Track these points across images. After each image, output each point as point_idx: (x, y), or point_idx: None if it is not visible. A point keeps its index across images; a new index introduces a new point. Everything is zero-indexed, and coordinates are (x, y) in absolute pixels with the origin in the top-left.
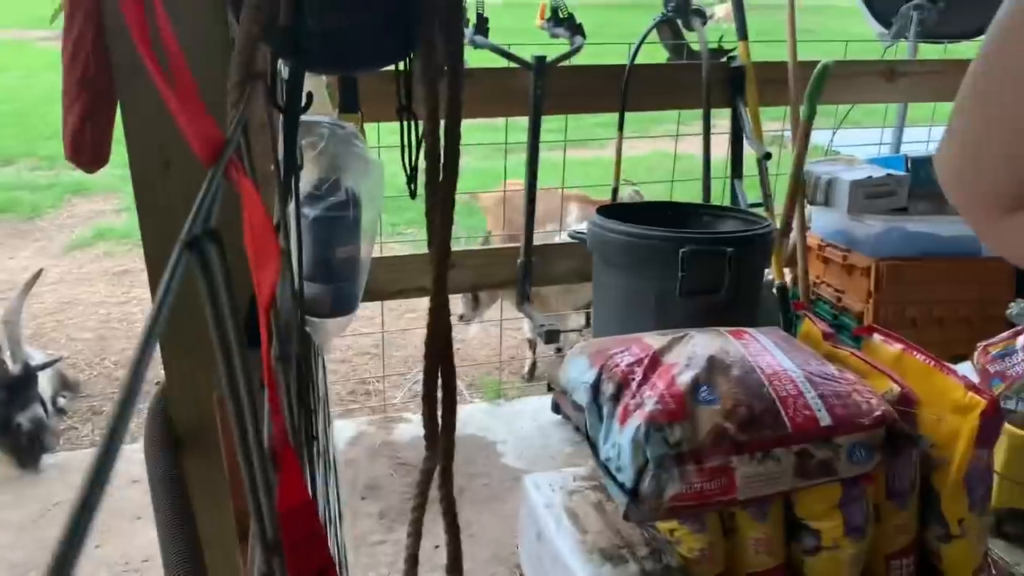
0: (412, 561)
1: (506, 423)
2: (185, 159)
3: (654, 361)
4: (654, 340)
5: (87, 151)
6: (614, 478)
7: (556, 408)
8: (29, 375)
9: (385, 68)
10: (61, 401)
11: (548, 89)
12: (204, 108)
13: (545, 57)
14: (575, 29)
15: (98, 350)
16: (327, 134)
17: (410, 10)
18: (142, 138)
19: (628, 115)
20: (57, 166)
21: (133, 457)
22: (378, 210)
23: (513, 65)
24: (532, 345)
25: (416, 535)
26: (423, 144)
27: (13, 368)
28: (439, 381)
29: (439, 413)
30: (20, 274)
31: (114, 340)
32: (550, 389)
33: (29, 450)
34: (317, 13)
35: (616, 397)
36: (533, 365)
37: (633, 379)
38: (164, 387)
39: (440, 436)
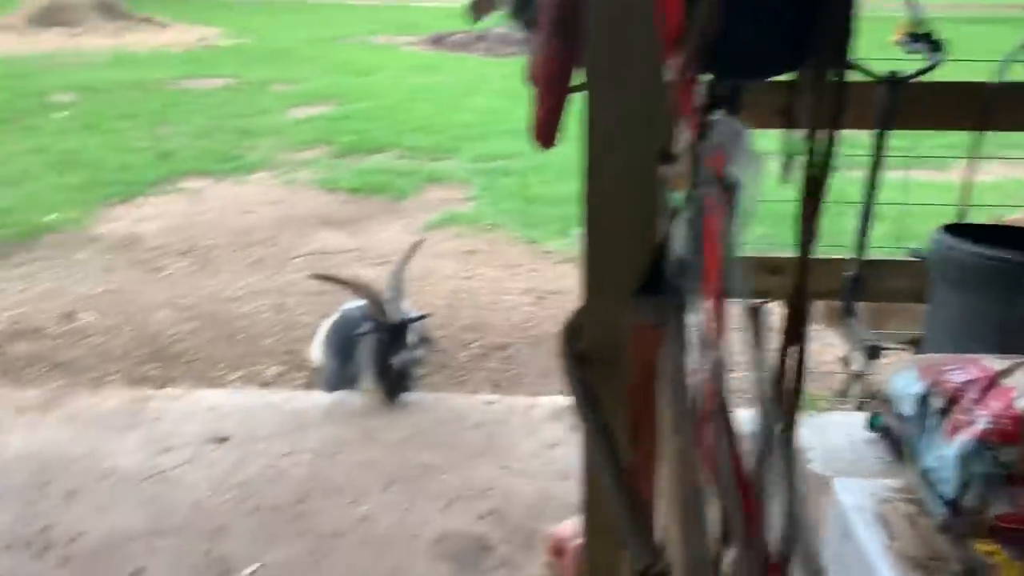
0: None
1: (816, 433)
2: (628, 145)
3: (991, 382)
4: (994, 363)
5: (546, 137)
6: (934, 488)
7: (872, 424)
8: (404, 325)
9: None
10: (419, 352)
11: (899, 105)
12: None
13: (898, 72)
14: (934, 45)
15: (448, 316)
16: (716, 125)
17: (806, 24)
18: (596, 127)
19: (988, 137)
20: (418, 156)
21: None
22: (753, 204)
23: (863, 78)
24: (846, 362)
25: None
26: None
27: (394, 317)
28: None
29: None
30: (389, 245)
31: (461, 309)
32: (861, 406)
33: (396, 387)
34: (734, 27)
35: (945, 411)
36: (847, 382)
37: (965, 396)
38: (580, 311)
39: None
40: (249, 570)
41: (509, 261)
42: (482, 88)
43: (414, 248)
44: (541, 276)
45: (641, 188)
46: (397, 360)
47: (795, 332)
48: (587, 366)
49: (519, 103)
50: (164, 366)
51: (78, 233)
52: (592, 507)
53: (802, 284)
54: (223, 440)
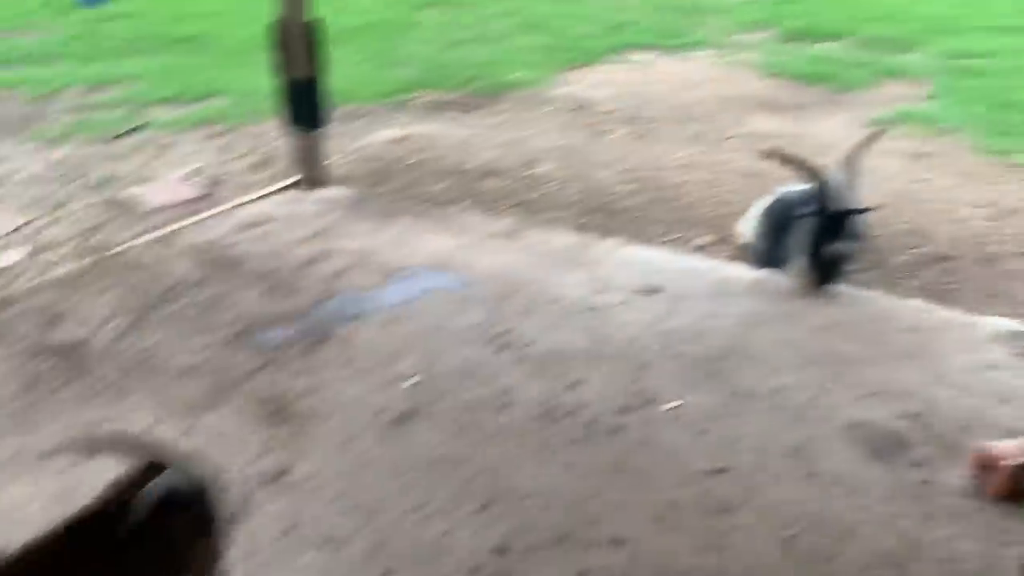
0: None
1: None
2: None
3: None
4: None
5: None
6: None
7: None
8: (846, 215)
9: None
10: (854, 246)
11: None
12: None
13: None
14: None
15: (887, 217)
16: None
17: None
18: None
19: None
20: (875, 47)
21: None
22: None
23: None
24: None
25: None
26: None
27: (837, 205)
28: None
29: None
30: (829, 136)
31: (902, 212)
32: None
33: (827, 275)
34: None
35: None
36: None
37: None
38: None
39: None
40: (671, 405)
41: (965, 170)
42: None
43: (872, 138)
44: (1004, 191)
45: None
46: (830, 249)
47: None
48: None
49: None
50: (606, 219)
51: (538, 92)
52: None
53: None
54: (654, 292)
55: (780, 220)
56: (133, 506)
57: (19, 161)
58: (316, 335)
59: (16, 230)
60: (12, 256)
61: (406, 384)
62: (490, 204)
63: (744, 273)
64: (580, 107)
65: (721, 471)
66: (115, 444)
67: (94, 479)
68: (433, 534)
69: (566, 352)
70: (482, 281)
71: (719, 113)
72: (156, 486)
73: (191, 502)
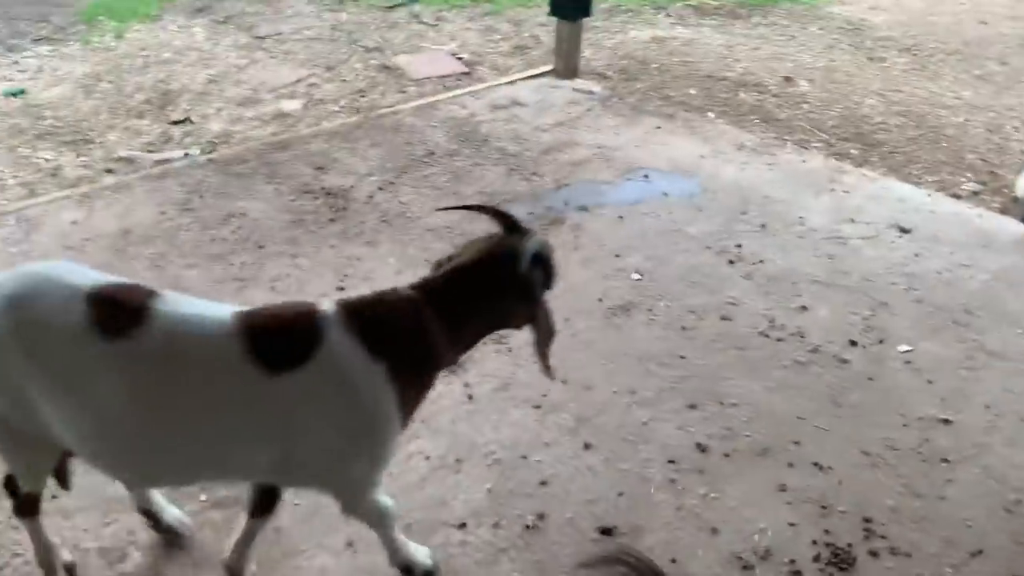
0: None
1: None
2: None
3: None
4: None
5: None
6: None
7: None
8: None
9: None
10: None
11: None
12: None
13: None
14: None
15: None
16: None
17: None
18: None
19: None
20: None
21: None
22: None
23: None
24: None
25: None
26: None
27: None
28: None
29: None
30: None
31: None
32: None
33: None
34: None
35: None
36: None
37: None
38: None
39: None
40: (903, 348)
41: None
42: None
43: None
44: None
45: None
46: None
47: None
48: None
49: None
50: (864, 149)
51: (812, 8)
52: None
53: None
54: (905, 231)
55: None
56: (521, 253)
57: (306, 20)
58: (549, 218)
59: (298, 81)
60: (293, 104)
61: (631, 277)
62: (741, 116)
63: (1013, 227)
64: (855, 28)
65: (947, 422)
66: (485, 209)
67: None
68: (637, 420)
69: (799, 276)
70: (721, 191)
71: (1017, 53)
72: (532, 243)
73: (546, 263)
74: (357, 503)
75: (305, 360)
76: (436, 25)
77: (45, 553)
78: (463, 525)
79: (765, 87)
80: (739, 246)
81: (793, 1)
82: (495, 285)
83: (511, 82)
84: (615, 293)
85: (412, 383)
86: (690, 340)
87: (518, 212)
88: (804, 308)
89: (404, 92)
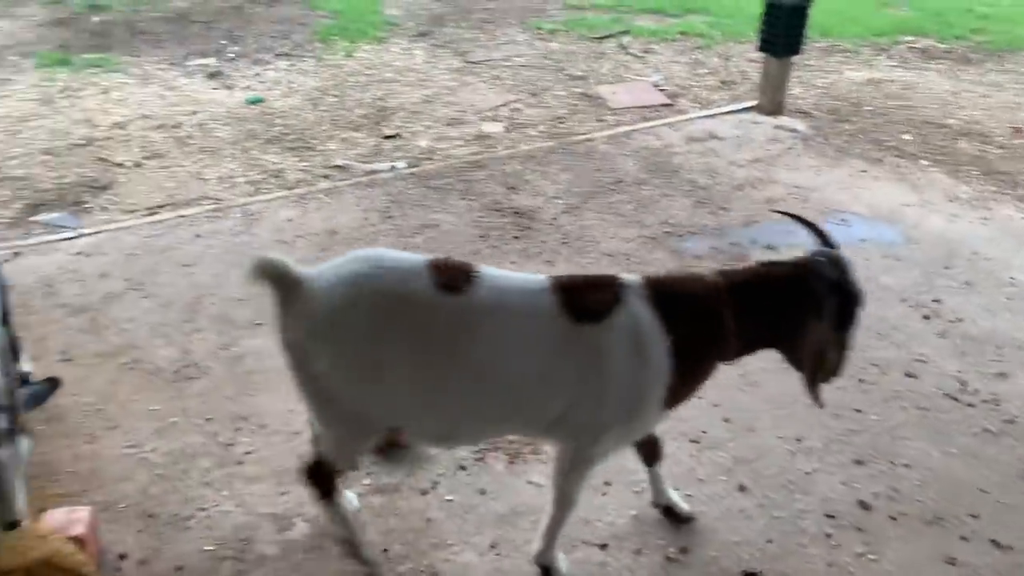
0: None
1: None
2: None
3: None
4: None
5: None
6: None
7: None
8: None
9: None
10: None
11: None
12: None
13: None
14: None
15: None
16: None
17: None
18: None
19: None
20: None
21: None
22: None
23: None
24: None
25: None
26: None
27: None
28: None
29: None
30: None
31: None
32: None
33: None
34: None
35: None
36: None
37: None
38: None
39: None
40: None
41: None
42: None
43: None
44: None
45: None
46: None
47: None
48: None
49: None
50: None
51: None
52: None
53: None
54: None
55: None
56: (822, 268)
57: (519, 48)
58: (732, 254)
59: (502, 105)
60: (495, 127)
61: None
62: (958, 166)
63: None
64: None
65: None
66: (808, 223)
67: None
68: (799, 469)
69: (1003, 339)
70: (925, 242)
71: None
72: (838, 269)
73: (847, 294)
74: (584, 466)
75: (604, 317)
76: (643, 57)
77: (350, 532)
78: (605, 546)
79: (990, 137)
80: (937, 301)
81: None
82: (794, 295)
83: (711, 116)
84: None
85: (689, 367)
86: (867, 394)
87: (700, 245)
88: (1003, 375)
89: (602, 120)
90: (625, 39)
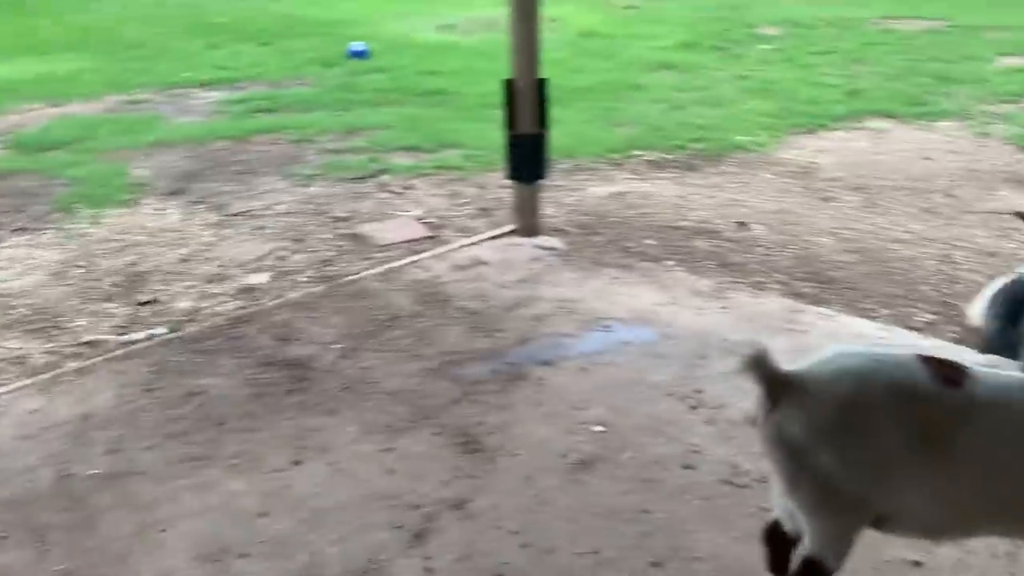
0: None
1: None
2: None
3: None
4: None
5: None
6: None
7: None
8: None
9: None
10: None
11: None
12: None
13: None
14: None
15: None
16: None
17: None
18: None
19: None
20: None
21: None
22: None
23: None
24: None
25: None
26: None
27: None
28: None
29: None
30: None
31: None
32: None
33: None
34: None
35: None
36: None
37: None
38: None
39: None
40: None
41: None
42: None
43: None
44: None
45: None
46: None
47: None
48: None
49: None
50: (819, 287)
51: (762, 155)
52: None
53: None
54: None
55: (1017, 304)
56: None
57: (279, 196)
58: (511, 374)
59: (266, 255)
60: (260, 278)
61: (593, 431)
62: (698, 263)
63: (968, 356)
64: (804, 172)
65: (918, 564)
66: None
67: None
68: None
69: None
70: (681, 338)
71: (960, 186)
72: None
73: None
74: None
75: None
76: (403, 193)
77: None
78: None
79: (720, 233)
80: (700, 391)
81: (745, 150)
82: None
83: (474, 243)
84: (578, 447)
85: None
86: (653, 492)
87: (479, 370)
88: None
89: (370, 259)
90: (384, 177)
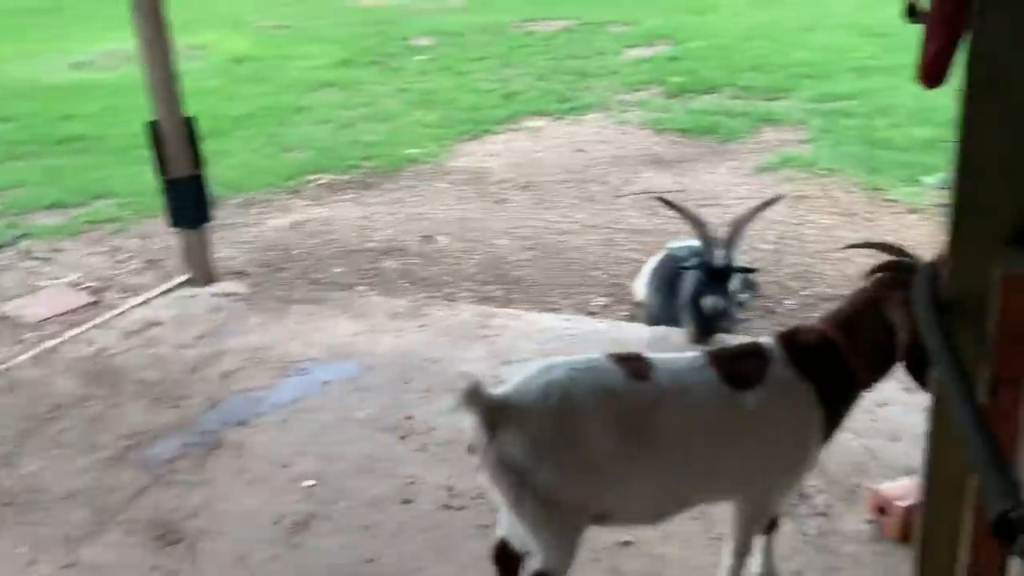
0: None
1: None
2: (1013, 79)
3: None
4: None
5: (933, 77)
6: None
7: None
8: (727, 271)
9: None
10: (743, 297)
11: None
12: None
13: None
14: None
15: (773, 261)
16: None
17: None
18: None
19: None
20: (752, 96)
21: None
22: None
23: None
24: None
25: None
26: None
27: (719, 261)
28: None
29: None
30: (716, 187)
31: (787, 255)
32: None
33: (704, 327)
34: None
35: None
36: None
37: None
38: (942, 258)
39: None
40: None
41: (845, 209)
42: (825, 23)
43: (767, 204)
44: (881, 227)
45: None
46: (709, 302)
47: None
48: (945, 314)
49: (866, 39)
50: (506, 288)
51: (435, 166)
52: (938, 463)
53: None
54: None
55: (670, 276)
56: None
57: None
58: (206, 445)
59: None
60: None
61: (304, 487)
62: (390, 284)
63: (641, 332)
64: (476, 177)
65: (628, 543)
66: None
67: None
68: None
69: (467, 434)
70: (383, 366)
71: (611, 173)
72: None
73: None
74: (762, 517)
75: (759, 381)
76: (52, 258)
77: None
78: None
79: (407, 250)
80: (409, 418)
81: (418, 163)
82: (888, 306)
83: (144, 302)
84: (291, 509)
85: (834, 406)
86: (375, 537)
87: (170, 447)
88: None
89: (21, 342)
90: (25, 244)
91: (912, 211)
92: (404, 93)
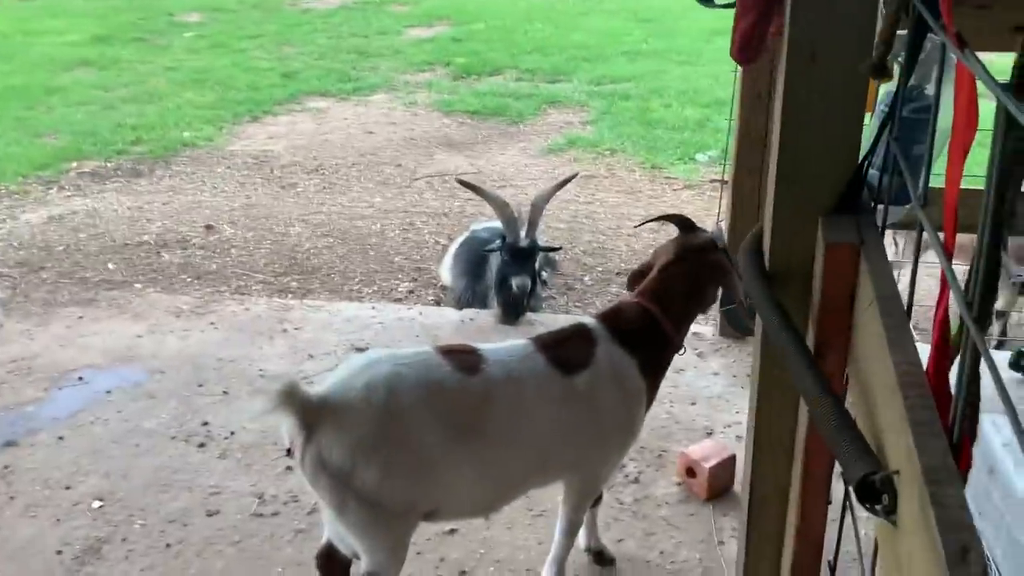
0: None
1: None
2: (830, 54)
3: None
4: None
5: (750, 51)
6: None
7: (1017, 363)
8: (532, 251)
9: None
10: (544, 275)
11: None
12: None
13: None
14: None
15: (569, 239)
16: (929, 47)
17: None
18: (799, 37)
19: None
20: (535, 78)
21: None
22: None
23: None
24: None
25: None
26: None
27: (523, 241)
28: None
29: None
30: (508, 168)
31: (581, 233)
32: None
33: (512, 308)
34: None
35: None
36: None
37: None
38: (764, 227)
39: None
40: None
41: (629, 187)
42: (598, 8)
43: (565, 182)
44: (664, 203)
45: (845, 103)
46: (516, 282)
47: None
48: (770, 282)
49: (636, 24)
50: (303, 278)
51: (213, 149)
52: (763, 423)
53: None
54: (362, 351)
55: (475, 259)
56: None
57: None
58: None
59: None
60: None
61: (91, 509)
62: (172, 279)
63: (450, 315)
64: (260, 162)
65: (454, 531)
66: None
67: None
68: None
69: (276, 435)
70: (171, 370)
71: (404, 155)
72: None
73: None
74: (592, 494)
75: (588, 363)
76: None
77: None
78: None
79: (188, 241)
80: (206, 424)
81: (193, 146)
82: (697, 271)
83: None
84: (76, 536)
85: (655, 374)
86: (179, 556)
87: None
88: (290, 469)
89: None
90: None
91: (688, 187)
92: (172, 72)
